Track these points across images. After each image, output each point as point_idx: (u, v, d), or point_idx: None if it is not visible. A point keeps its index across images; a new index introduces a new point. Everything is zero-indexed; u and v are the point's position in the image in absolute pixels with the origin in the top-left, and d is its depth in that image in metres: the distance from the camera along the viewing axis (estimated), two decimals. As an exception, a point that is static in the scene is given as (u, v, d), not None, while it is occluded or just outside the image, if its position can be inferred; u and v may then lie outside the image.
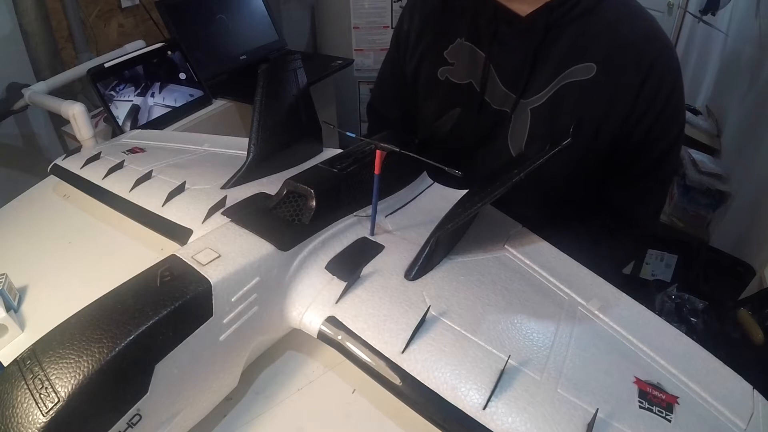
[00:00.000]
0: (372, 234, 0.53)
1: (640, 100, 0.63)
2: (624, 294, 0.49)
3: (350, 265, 0.48)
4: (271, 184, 0.61)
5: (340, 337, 0.42)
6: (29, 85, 1.08)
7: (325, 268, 0.48)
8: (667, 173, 0.71)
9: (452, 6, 0.74)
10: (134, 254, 0.64)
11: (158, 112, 1.11)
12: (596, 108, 0.65)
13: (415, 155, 0.48)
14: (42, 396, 0.31)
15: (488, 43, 0.68)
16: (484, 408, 0.36)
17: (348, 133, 0.54)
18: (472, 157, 0.76)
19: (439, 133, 0.77)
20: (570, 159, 0.67)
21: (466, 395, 0.37)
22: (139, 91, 1.08)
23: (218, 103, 1.27)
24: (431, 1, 0.77)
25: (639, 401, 0.38)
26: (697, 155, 1.78)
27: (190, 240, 0.54)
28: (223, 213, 0.55)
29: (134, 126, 1.05)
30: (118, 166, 0.70)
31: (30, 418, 0.30)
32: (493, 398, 0.36)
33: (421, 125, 0.81)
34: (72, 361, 0.33)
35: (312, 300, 0.46)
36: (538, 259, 0.52)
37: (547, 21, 0.64)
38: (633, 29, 0.63)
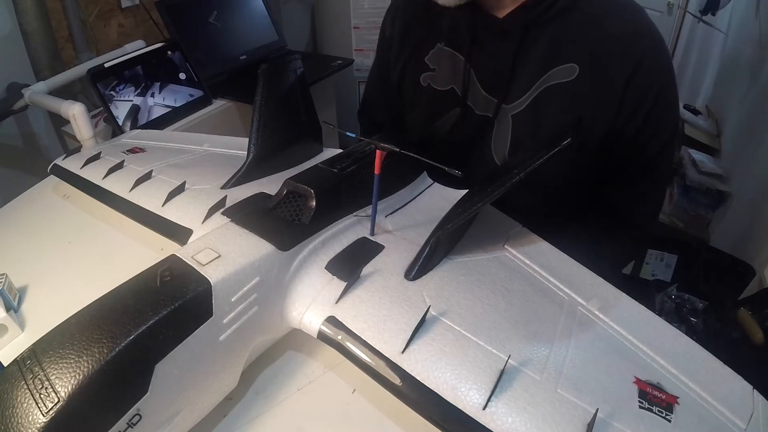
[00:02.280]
0: (372, 234, 0.53)
1: (628, 98, 0.61)
2: (624, 294, 0.48)
3: (350, 265, 0.48)
4: (271, 184, 0.61)
5: (340, 337, 0.42)
6: (29, 85, 1.08)
7: (325, 268, 0.48)
8: (663, 174, 0.70)
9: (432, 11, 0.72)
10: (134, 254, 0.64)
11: (158, 112, 1.11)
12: (582, 109, 0.63)
13: (415, 155, 0.48)
14: (42, 396, 0.31)
15: (468, 47, 0.67)
16: (484, 408, 0.36)
17: (348, 133, 0.54)
18: (461, 162, 0.75)
19: (438, 134, 0.77)
20: (563, 159, 0.66)
21: (466, 395, 0.37)
22: (139, 91, 1.08)
23: (218, 103, 1.27)
24: (411, 6, 0.76)
25: (639, 401, 0.38)
26: (697, 155, 1.79)
27: (190, 240, 0.54)
28: (223, 213, 0.55)
29: (134, 126, 1.05)
30: (118, 166, 0.70)
31: (30, 418, 0.31)
32: (493, 398, 0.36)
33: (409, 130, 0.80)
34: (72, 361, 0.33)
35: (312, 300, 0.46)
36: (538, 259, 0.52)
37: (524, 21, 0.62)
38: (619, 23, 0.61)
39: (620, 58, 0.60)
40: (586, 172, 0.69)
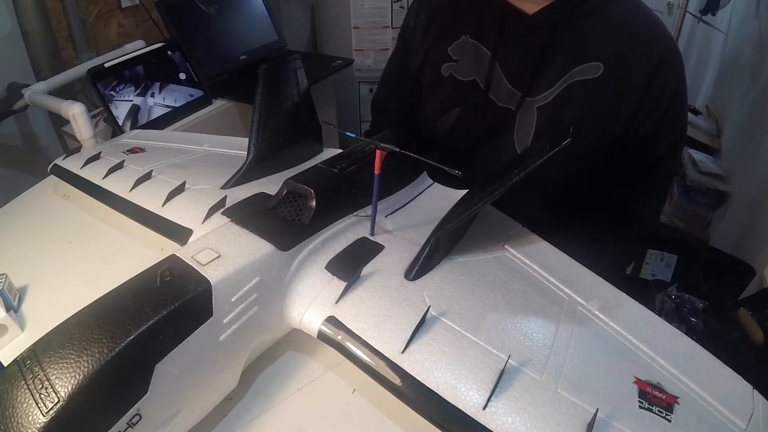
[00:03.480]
0: (372, 234, 0.53)
1: (648, 98, 0.63)
2: (624, 294, 0.49)
3: (350, 265, 0.48)
4: (271, 184, 0.61)
5: (340, 337, 0.42)
6: (29, 85, 1.08)
7: (325, 268, 0.48)
8: (668, 173, 0.71)
9: (458, 3, 0.74)
10: (134, 254, 0.64)
11: (158, 112, 1.11)
12: (603, 106, 0.65)
13: (415, 155, 0.48)
14: (42, 396, 0.31)
15: (494, 40, 0.69)
16: (484, 408, 0.36)
17: (348, 133, 0.54)
18: (476, 155, 0.75)
19: (440, 133, 0.77)
20: (575, 157, 0.67)
21: (466, 395, 0.37)
22: (139, 91, 1.08)
23: (218, 103, 1.27)
24: None
25: (639, 401, 0.38)
26: (697, 155, 1.78)
27: (190, 240, 0.54)
28: (223, 213, 0.55)
29: (134, 126, 1.05)
30: (118, 166, 0.70)
31: (30, 418, 0.30)
32: (493, 398, 0.36)
33: (423, 123, 0.81)
34: (72, 361, 0.33)
35: (312, 300, 0.46)
36: (538, 259, 0.52)
37: (554, 19, 0.64)
38: (642, 28, 0.64)
39: (643, 59, 0.63)
40: (591, 170, 0.70)
